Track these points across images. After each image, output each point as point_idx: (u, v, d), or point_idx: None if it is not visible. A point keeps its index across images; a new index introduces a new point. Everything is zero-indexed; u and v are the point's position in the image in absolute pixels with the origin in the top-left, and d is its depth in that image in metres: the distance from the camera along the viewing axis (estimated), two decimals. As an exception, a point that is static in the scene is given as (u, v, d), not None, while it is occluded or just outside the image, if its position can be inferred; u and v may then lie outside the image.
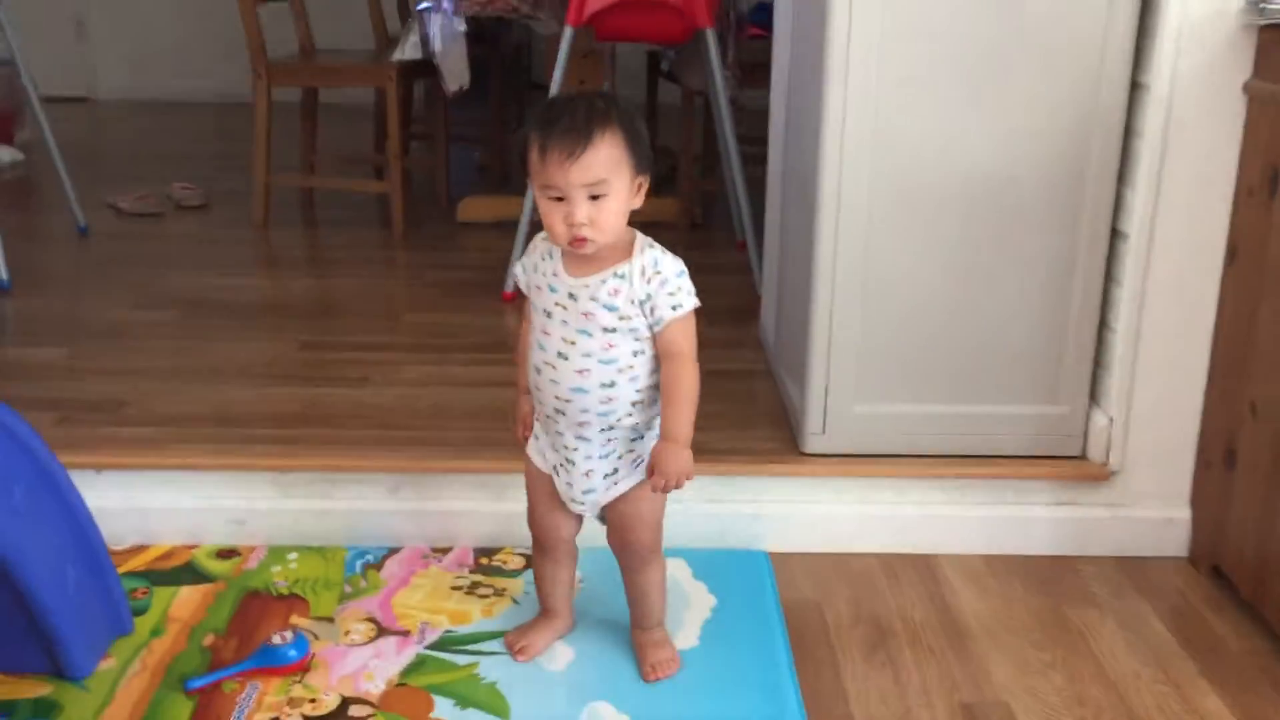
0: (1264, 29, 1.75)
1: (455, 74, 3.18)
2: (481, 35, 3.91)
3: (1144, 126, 1.85)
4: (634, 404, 1.53)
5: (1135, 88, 1.87)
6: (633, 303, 1.47)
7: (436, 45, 3.17)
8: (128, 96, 6.16)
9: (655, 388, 1.53)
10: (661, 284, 1.47)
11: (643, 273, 1.47)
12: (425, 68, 3.46)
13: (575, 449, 1.56)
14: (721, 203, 3.79)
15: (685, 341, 1.49)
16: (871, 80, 1.86)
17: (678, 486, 1.52)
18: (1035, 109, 1.87)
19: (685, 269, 1.50)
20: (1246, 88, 1.79)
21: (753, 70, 3.44)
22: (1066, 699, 1.66)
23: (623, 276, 1.47)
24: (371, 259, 3.32)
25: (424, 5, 3.23)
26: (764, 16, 3.57)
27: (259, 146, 3.51)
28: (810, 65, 2.02)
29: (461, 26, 3.08)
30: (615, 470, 1.58)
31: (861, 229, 1.93)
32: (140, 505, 1.99)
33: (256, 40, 3.44)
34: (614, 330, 1.48)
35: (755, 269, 2.90)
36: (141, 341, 2.55)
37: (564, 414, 1.53)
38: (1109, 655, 1.76)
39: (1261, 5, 1.71)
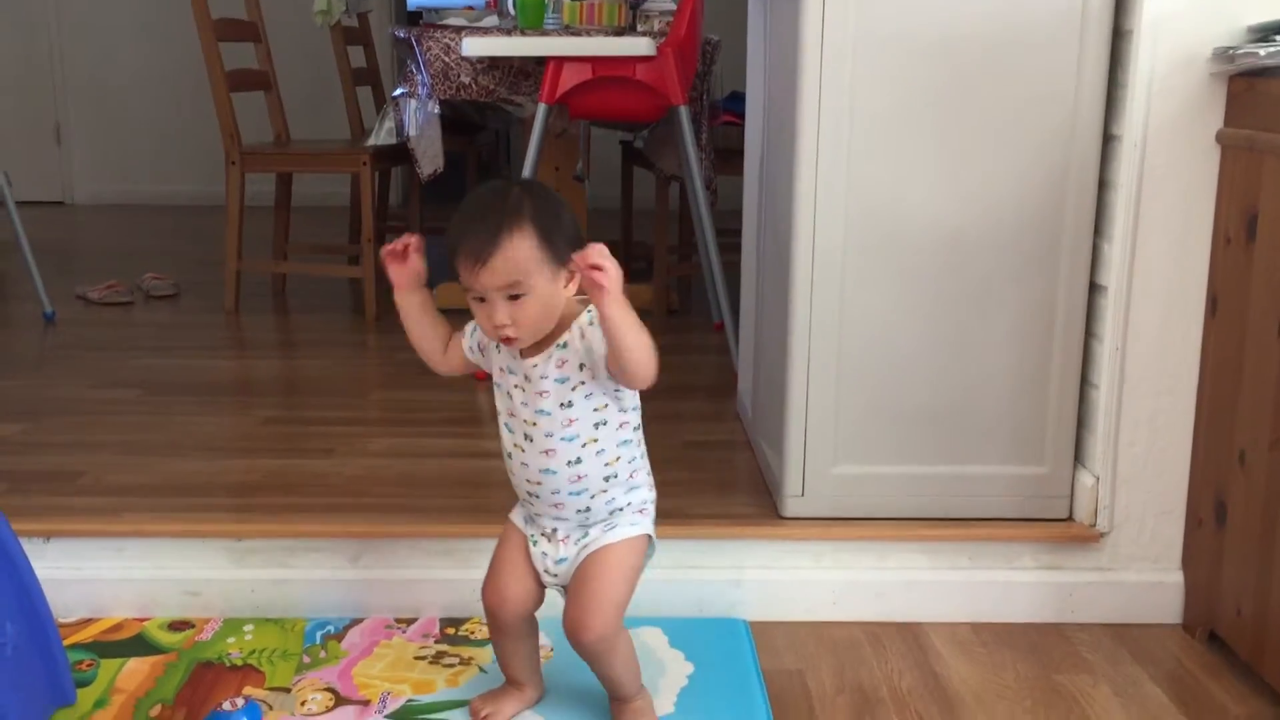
0: (1233, 77, 1.75)
1: (429, 158, 3.18)
2: (458, 128, 3.94)
3: (1118, 178, 1.84)
4: (607, 479, 1.50)
5: (1108, 139, 1.86)
6: (580, 367, 1.44)
7: (410, 129, 3.18)
8: (104, 200, 6.17)
9: (628, 461, 1.51)
10: (595, 330, 1.42)
11: (581, 333, 1.44)
12: (399, 154, 3.47)
13: (555, 529, 1.54)
14: (698, 288, 3.78)
15: None
16: (844, 138, 1.85)
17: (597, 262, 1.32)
18: (1009, 164, 1.86)
19: None
20: (1219, 136, 1.78)
21: (726, 157, 3.46)
22: (1063, 763, 1.57)
23: (565, 346, 1.45)
24: (342, 341, 3.27)
25: (399, 92, 3.25)
26: (736, 105, 3.61)
27: (231, 232, 3.49)
28: (783, 134, 2.02)
29: (435, 109, 3.09)
30: (586, 534, 1.53)
31: (836, 287, 1.90)
32: (89, 576, 1.90)
33: (230, 127, 3.45)
34: (569, 405, 1.46)
35: (733, 348, 2.87)
36: (101, 417, 2.49)
37: (538, 497, 1.51)
38: (1105, 720, 1.68)
39: (1230, 53, 1.72)
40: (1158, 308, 1.86)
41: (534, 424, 1.47)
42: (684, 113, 2.85)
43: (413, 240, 1.49)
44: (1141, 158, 1.81)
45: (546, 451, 1.47)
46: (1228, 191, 1.78)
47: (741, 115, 3.35)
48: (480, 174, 4.35)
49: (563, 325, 1.45)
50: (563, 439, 1.47)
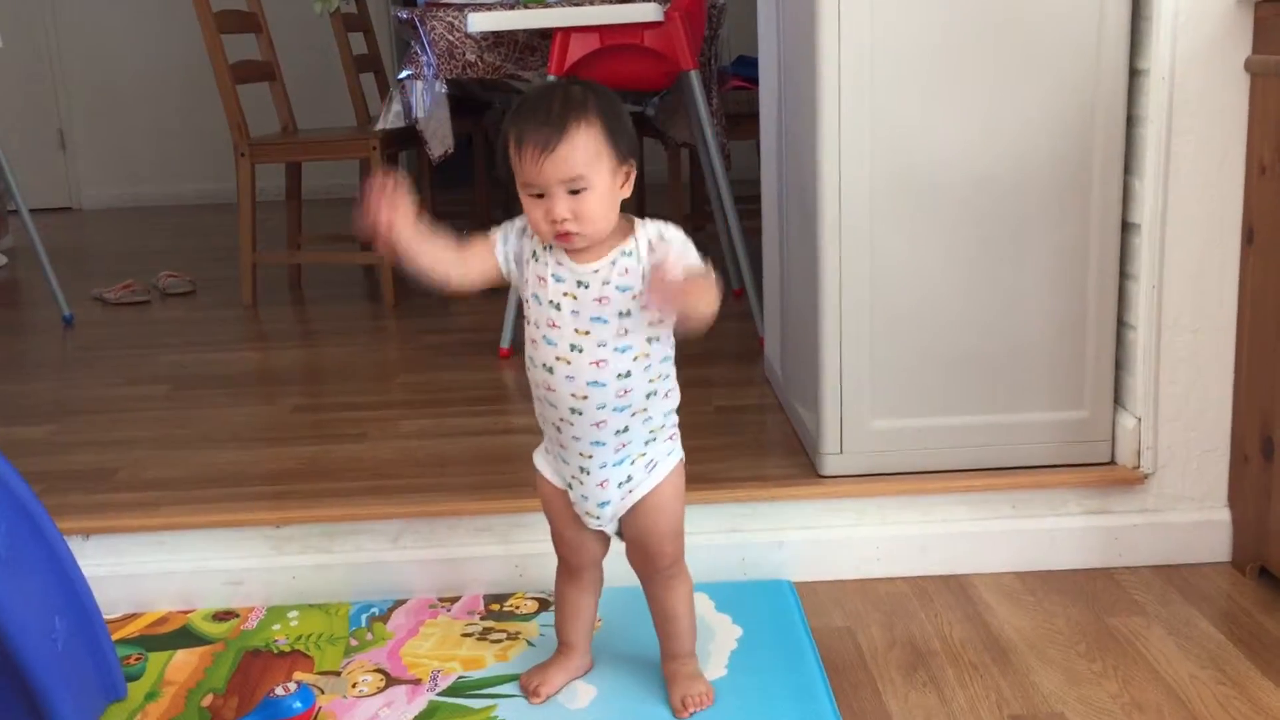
0: (1260, 3, 1.72)
1: (439, 138, 3.16)
2: (465, 108, 3.91)
3: (1147, 113, 1.81)
4: (649, 395, 1.46)
5: (1134, 74, 1.83)
6: (644, 277, 1.40)
7: (419, 111, 3.16)
8: (111, 204, 6.16)
9: (666, 377, 1.47)
10: (668, 248, 1.40)
11: (650, 245, 1.41)
12: (408, 137, 3.44)
13: (590, 456, 1.47)
14: (714, 256, 3.74)
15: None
16: (865, 84, 1.83)
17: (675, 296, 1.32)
18: (1035, 104, 1.83)
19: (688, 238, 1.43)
20: (1248, 64, 1.75)
21: (737, 122, 3.43)
22: (1124, 705, 1.56)
23: (630, 254, 1.41)
24: (362, 328, 3.26)
25: (404, 74, 3.22)
26: (744, 69, 3.59)
27: (244, 225, 3.47)
28: (802, 87, 1.99)
29: (443, 88, 3.06)
30: (629, 478, 1.49)
31: (865, 238, 1.88)
32: (131, 571, 1.89)
33: (237, 119, 3.43)
34: (628, 314, 1.41)
35: (755, 312, 2.85)
36: (130, 414, 2.48)
37: (581, 413, 1.44)
38: (1162, 660, 1.66)
39: (1257, -22, 1.69)
40: (1193, 243, 1.83)
41: (586, 333, 1.41)
42: (695, 78, 2.81)
43: (390, 178, 1.40)
44: (1170, 90, 1.78)
45: (597, 362, 1.42)
46: (1260, 120, 1.75)
47: (750, 79, 3.32)
48: (488, 153, 4.32)
49: (619, 234, 1.42)
50: (616, 349, 1.42)
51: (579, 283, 1.41)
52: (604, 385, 1.42)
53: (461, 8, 3.06)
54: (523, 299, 1.47)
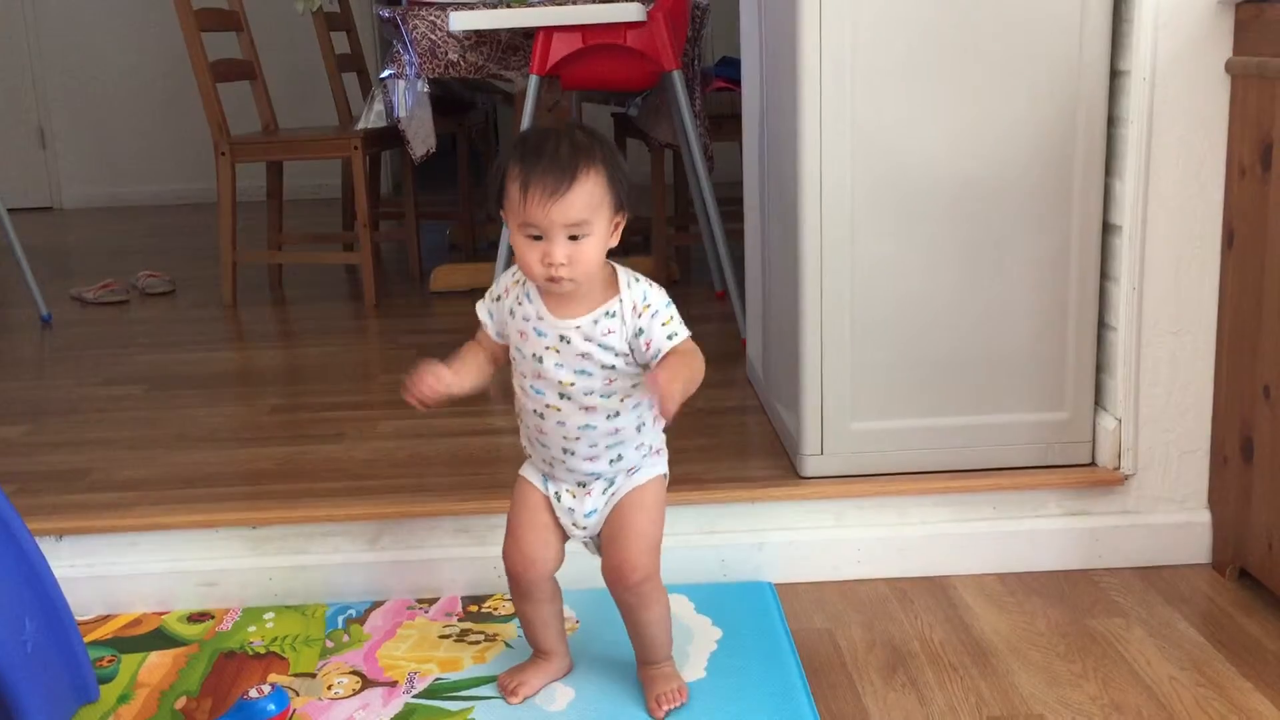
0: (1241, 5, 1.72)
1: (421, 138, 3.15)
2: (448, 108, 3.89)
3: (1128, 114, 1.81)
4: (639, 427, 1.50)
5: (1115, 75, 1.83)
6: (626, 340, 1.42)
7: (400, 111, 3.14)
8: (91, 203, 6.12)
9: (652, 406, 1.49)
10: (653, 316, 1.42)
11: (634, 309, 1.42)
12: (390, 137, 3.43)
13: (585, 477, 1.51)
14: (697, 257, 3.75)
15: (691, 346, 1.43)
16: (846, 85, 1.82)
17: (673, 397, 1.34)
18: (1016, 105, 1.83)
19: (670, 300, 1.45)
20: (1229, 65, 1.75)
21: (720, 123, 3.43)
22: (1103, 707, 1.55)
23: (614, 315, 1.42)
24: (343, 328, 3.24)
25: (386, 73, 3.21)
26: (727, 70, 3.58)
27: (224, 224, 3.45)
28: (784, 89, 1.98)
29: (425, 88, 3.05)
30: (613, 481, 1.52)
31: (846, 239, 1.87)
32: (104, 572, 1.87)
33: (218, 118, 3.40)
34: (612, 368, 1.44)
35: (738, 313, 2.84)
36: (105, 414, 2.46)
37: (574, 453, 1.49)
38: (1141, 662, 1.66)
39: (1237, -20, 1.69)
40: (1173, 245, 1.83)
41: (572, 384, 1.44)
42: (677, 78, 2.81)
43: (425, 379, 1.46)
44: (1151, 92, 1.78)
45: (587, 408, 1.45)
46: (1240, 122, 1.75)
47: (733, 81, 3.31)
48: (471, 155, 4.31)
49: (602, 287, 1.43)
50: (603, 396, 1.44)
51: (561, 337, 1.43)
52: (594, 428, 1.46)
53: (444, 7, 3.05)
54: (510, 349, 1.49)
